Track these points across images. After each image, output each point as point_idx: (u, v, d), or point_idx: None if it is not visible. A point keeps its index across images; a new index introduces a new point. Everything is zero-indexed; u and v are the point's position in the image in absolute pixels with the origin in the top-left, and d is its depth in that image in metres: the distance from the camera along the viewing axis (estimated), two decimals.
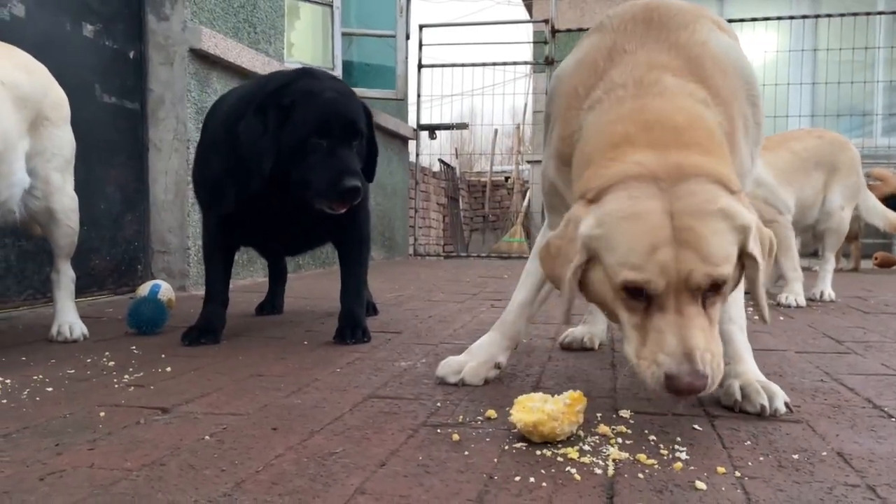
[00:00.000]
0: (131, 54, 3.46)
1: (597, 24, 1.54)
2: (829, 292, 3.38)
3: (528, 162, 9.33)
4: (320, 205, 1.99)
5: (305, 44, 5.33)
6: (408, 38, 6.46)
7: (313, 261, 4.90)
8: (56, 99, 2.12)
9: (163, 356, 1.93)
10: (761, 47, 7.18)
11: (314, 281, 4.22)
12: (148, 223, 3.58)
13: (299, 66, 2.62)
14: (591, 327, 2.12)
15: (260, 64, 4.02)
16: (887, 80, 7.88)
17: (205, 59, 3.61)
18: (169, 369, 1.75)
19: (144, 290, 2.61)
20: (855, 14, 6.79)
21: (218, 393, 1.53)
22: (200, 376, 1.69)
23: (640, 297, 1.15)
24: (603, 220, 1.17)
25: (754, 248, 1.17)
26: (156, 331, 2.28)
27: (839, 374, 1.75)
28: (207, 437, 1.21)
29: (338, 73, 5.40)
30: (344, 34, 5.50)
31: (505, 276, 4.56)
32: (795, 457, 1.12)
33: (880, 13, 7.40)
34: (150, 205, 3.56)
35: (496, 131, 10.71)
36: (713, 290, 1.15)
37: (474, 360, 1.64)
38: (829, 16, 6.83)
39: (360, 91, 5.52)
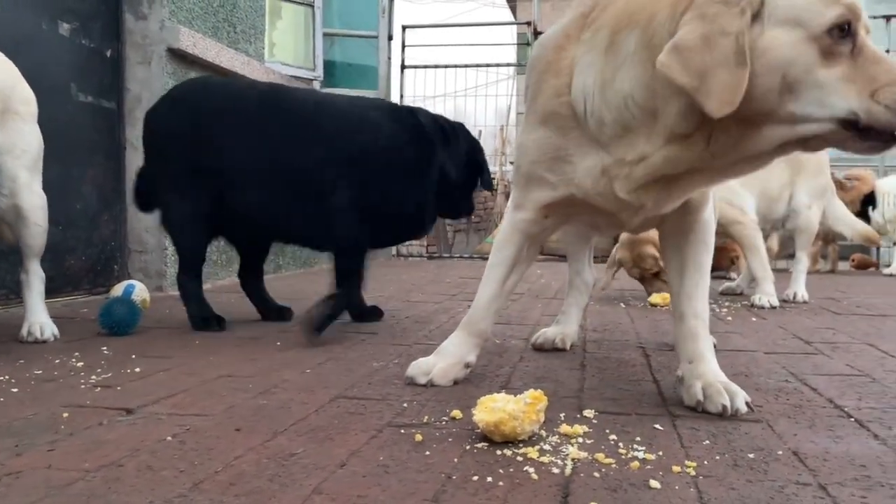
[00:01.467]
0: (108, 53, 3.44)
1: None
2: (803, 293, 3.42)
3: (512, 163, 9.35)
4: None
5: (287, 44, 5.32)
6: (390, 38, 6.47)
7: (294, 261, 4.89)
8: (24, 94, 2.11)
9: (133, 357, 1.92)
10: None
11: (295, 281, 4.21)
12: (125, 223, 3.56)
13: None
14: (564, 328, 2.13)
15: (240, 64, 4.01)
16: None
17: (183, 58, 3.59)
18: (138, 370, 1.75)
19: (118, 290, 2.60)
20: None
21: (184, 394, 1.52)
22: (169, 377, 1.69)
23: (847, 38, 1.11)
24: None
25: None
26: (128, 331, 2.27)
27: (804, 375, 1.77)
28: (169, 438, 1.21)
29: (318, 73, 5.40)
30: (326, 34, 5.50)
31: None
32: (751, 456, 1.14)
33: None
34: (126, 204, 3.54)
35: (479, 132, 10.71)
36: None
37: (443, 361, 1.64)
38: None
39: (341, 91, 5.53)
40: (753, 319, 2.79)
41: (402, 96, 7.00)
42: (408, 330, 2.43)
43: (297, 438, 1.21)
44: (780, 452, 1.16)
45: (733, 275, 4.56)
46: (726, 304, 3.29)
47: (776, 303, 3.16)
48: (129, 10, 3.50)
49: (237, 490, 0.98)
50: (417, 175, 2.42)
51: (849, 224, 3.82)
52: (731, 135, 1.20)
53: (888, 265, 5.79)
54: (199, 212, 2.38)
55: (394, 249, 7.12)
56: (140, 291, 2.64)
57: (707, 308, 1.55)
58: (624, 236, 3.30)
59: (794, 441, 1.22)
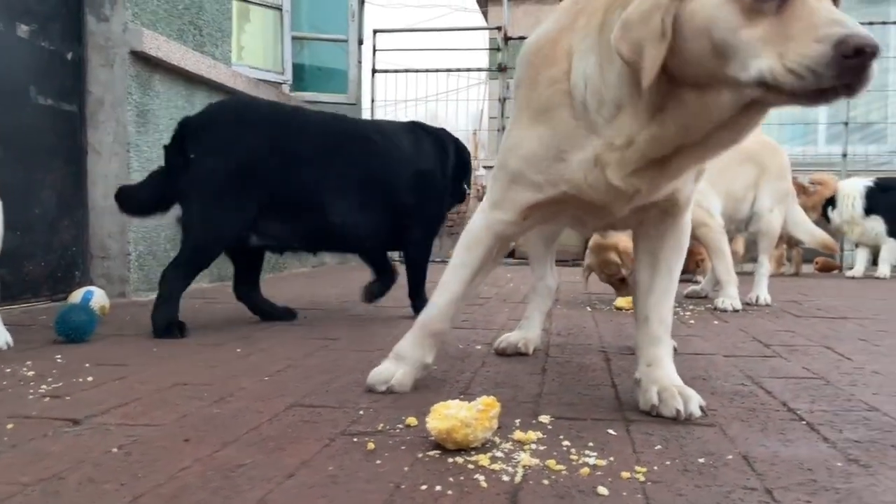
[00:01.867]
0: (69, 56, 3.38)
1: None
2: (765, 296, 3.47)
3: (485, 167, 9.36)
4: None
5: (255, 47, 5.28)
6: (361, 42, 6.44)
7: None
8: None
9: (87, 365, 1.88)
10: None
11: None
12: (87, 228, 3.49)
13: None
14: (526, 332, 2.13)
15: (206, 67, 3.97)
16: None
17: (147, 61, 3.54)
18: (90, 379, 1.71)
19: (76, 296, 2.55)
20: None
21: (136, 403, 1.49)
22: (122, 386, 1.65)
23: None
24: None
25: None
26: (85, 339, 2.23)
27: (760, 378, 1.79)
28: (115, 450, 1.18)
29: (287, 77, 5.36)
30: (295, 38, 5.46)
31: None
32: (701, 460, 1.14)
33: None
34: (88, 209, 3.48)
35: None
36: None
37: (401, 367, 1.63)
38: None
39: (311, 95, 5.51)
40: (715, 323, 2.82)
41: (372, 101, 6.99)
42: (371, 336, 2.41)
43: (246, 449, 1.19)
44: (730, 457, 1.17)
45: (699, 277, 4.61)
46: (690, 307, 3.33)
47: (739, 306, 3.20)
48: (91, 12, 3.44)
49: (178, 503, 0.96)
50: (442, 180, 2.96)
51: (807, 230, 3.87)
52: (693, 104, 1.19)
53: (851, 268, 5.90)
54: (242, 217, 2.51)
55: None
56: (99, 298, 2.59)
57: (671, 313, 1.55)
58: (592, 242, 3.32)
59: (745, 445, 1.23)
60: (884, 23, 7.82)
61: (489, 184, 1.63)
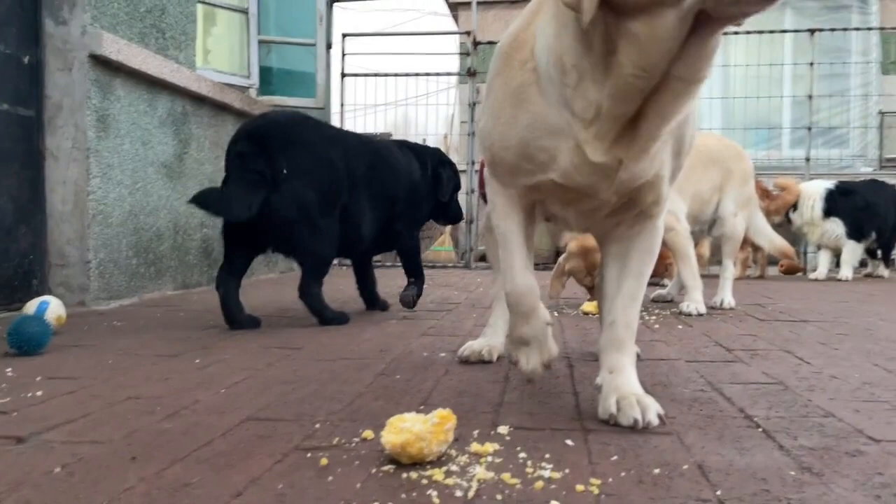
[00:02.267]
0: (26, 59, 3.30)
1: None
2: (729, 300, 3.50)
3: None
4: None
5: (221, 51, 5.21)
6: (329, 46, 6.40)
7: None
8: None
9: (38, 379, 1.83)
10: None
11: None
12: (45, 236, 3.41)
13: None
14: (490, 339, 2.12)
15: (168, 71, 3.90)
16: (794, 95, 8.25)
17: (107, 65, 3.47)
18: (40, 393, 1.66)
19: (31, 307, 2.48)
20: (760, 31, 7.09)
21: (85, 419, 1.45)
22: (73, 400, 1.61)
23: None
24: None
25: None
26: (38, 351, 2.17)
27: (720, 384, 1.80)
28: (58, 470, 1.14)
29: (254, 81, 5.30)
30: (262, 42, 5.40)
31: (427, 285, 4.52)
32: (657, 471, 1.14)
33: (786, 31, 7.77)
34: (46, 216, 3.39)
35: (423, 140, 10.71)
36: None
37: (531, 353, 1.58)
38: (735, 33, 7.09)
39: (279, 100, 5.46)
40: (680, 327, 2.84)
41: (342, 105, 6.95)
42: (334, 344, 2.38)
43: (195, 466, 1.16)
44: (686, 467, 1.16)
45: (666, 281, 4.64)
46: (656, 311, 3.34)
47: (703, 310, 3.22)
48: (49, 15, 3.36)
49: None
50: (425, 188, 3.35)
51: (767, 237, 3.92)
52: (642, 34, 1.18)
53: (815, 269, 5.99)
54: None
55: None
56: (55, 308, 2.52)
57: (637, 318, 1.55)
58: (574, 246, 3.33)
59: (701, 454, 1.23)
60: (845, 29, 7.98)
61: (491, 173, 1.61)
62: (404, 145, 3.47)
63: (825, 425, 1.42)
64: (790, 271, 6.26)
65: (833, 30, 7.65)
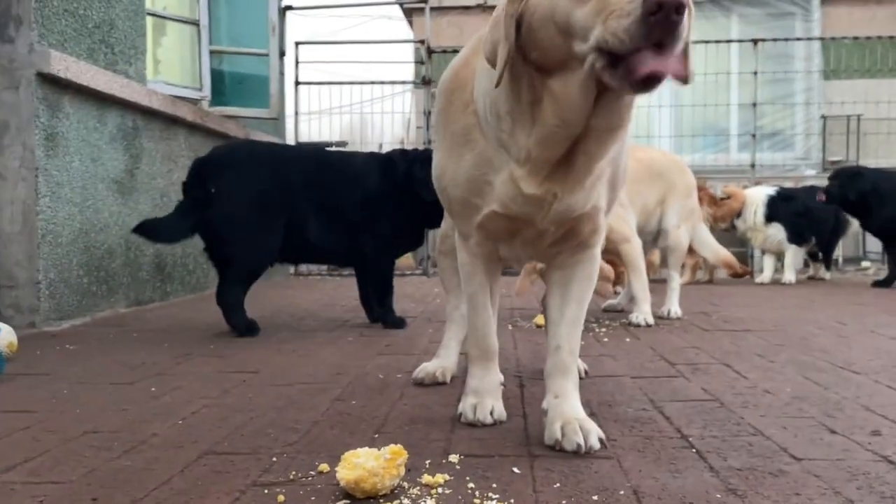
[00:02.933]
0: None
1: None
2: (676, 310, 3.63)
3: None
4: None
5: (172, 63, 5.17)
6: (282, 55, 6.41)
7: (182, 286, 4.75)
8: None
9: None
10: None
11: (182, 309, 4.09)
12: None
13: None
14: (443, 361, 2.18)
15: (118, 87, 3.87)
16: (740, 104, 8.54)
17: (55, 82, 3.44)
18: None
19: None
20: (707, 41, 7.31)
21: (43, 457, 1.47)
22: (28, 436, 1.62)
23: None
24: None
25: None
26: None
27: (662, 402, 1.89)
28: None
29: (205, 92, 5.27)
30: (213, 52, 5.37)
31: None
32: (595, 498, 1.22)
33: (731, 41, 8.03)
34: None
35: (381, 146, 10.73)
36: None
37: (488, 399, 1.72)
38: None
39: (232, 110, 5.44)
40: (628, 340, 2.95)
41: (296, 113, 6.94)
42: (291, 368, 2.41)
43: None
44: (622, 492, 1.24)
45: (618, 288, 4.78)
46: (606, 321, 3.45)
47: (651, 321, 3.34)
48: None
49: None
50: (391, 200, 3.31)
51: (711, 248, 4.05)
52: (559, 90, 1.32)
53: (762, 271, 6.21)
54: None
55: (292, 267, 7.01)
56: (5, 336, 2.49)
57: (579, 343, 1.64)
58: None
59: (637, 478, 1.32)
60: (786, 39, 8.28)
61: (449, 216, 1.78)
62: (371, 155, 3.59)
63: (753, 444, 1.52)
64: (737, 276, 6.45)
65: (775, 39, 7.94)
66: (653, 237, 3.77)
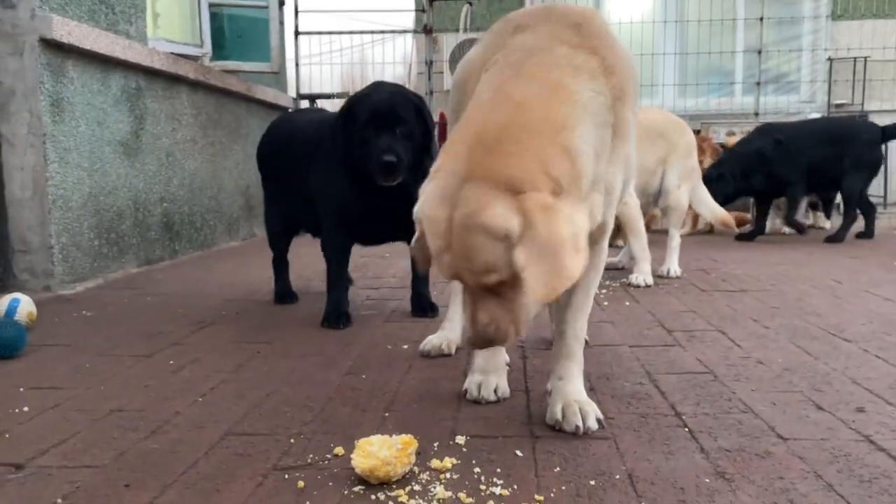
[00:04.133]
0: None
1: (503, 22, 1.64)
2: (675, 269, 3.70)
3: None
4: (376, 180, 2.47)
5: (171, 20, 5.11)
6: (282, 4, 6.31)
7: (191, 244, 4.82)
8: None
9: (21, 389, 1.92)
10: (630, 17, 7.51)
11: (192, 269, 4.18)
12: (6, 222, 3.42)
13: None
14: (448, 333, 2.27)
15: (120, 48, 3.86)
16: (745, 49, 8.42)
17: (58, 48, 3.43)
18: (27, 409, 1.76)
19: (1, 307, 2.54)
20: None
21: (75, 438, 1.57)
22: (59, 416, 1.72)
23: None
24: (420, 207, 1.34)
25: (519, 256, 1.21)
26: (15, 355, 2.25)
27: (658, 374, 1.98)
28: (60, 501, 1.27)
29: (206, 49, 5.24)
30: (212, 5, 5.31)
31: (386, 255, 4.62)
32: (592, 482, 1.31)
33: None
34: (6, 203, 3.40)
35: None
36: (499, 284, 1.27)
37: (492, 377, 1.81)
38: None
39: (233, 65, 5.41)
40: (627, 303, 3.03)
41: (297, 65, 6.88)
42: (302, 338, 2.50)
43: (185, 492, 1.30)
44: (618, 476, 1.34)
45: (619, 242, 4.84)
46: (606, 282, 3.53)
47: (651, 281, 3.42)
48: None
49: None
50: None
51: (709, 208, 4.05)
52: None
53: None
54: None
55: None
56: (25, 305, 2.58)
57: (585, 327, 1.71)
58: None
59: (632, 460, 1.41)
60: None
61: None
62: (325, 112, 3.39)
63: (743, 423, 1.61)
64: (739, 223, 6.50)
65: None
66: (654, 198, 3.82)
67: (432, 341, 2.24)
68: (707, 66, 8.44)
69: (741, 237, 5.61)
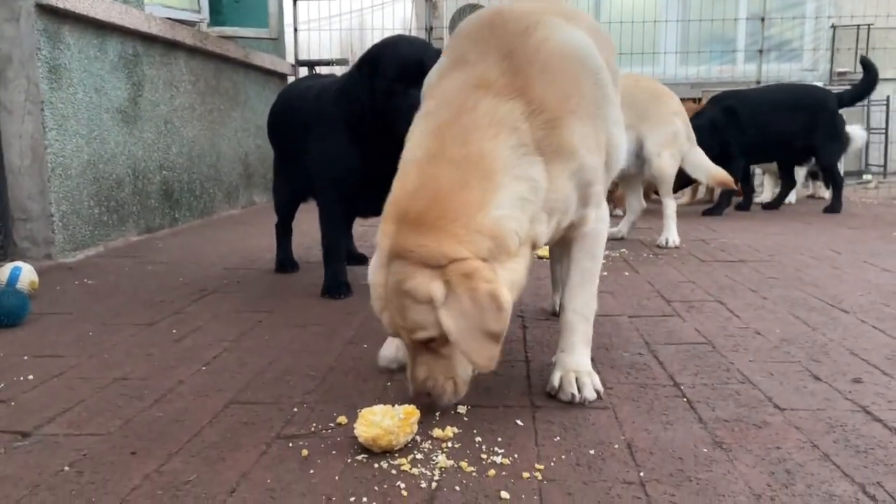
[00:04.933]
0: None
1: (457, 28, 1.67)
2: (674, 238, 3.70)
3: None
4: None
5: None
6: None
7: (190, 212, 4.82)
8: None
9: (25, 358, 1.94)
10: None
11: (192, 237, 4.18)
12: (6, 190, 3.41)
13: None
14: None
15: (117, 14, 3.81)
16: (749, 17, 8.34)
17: (54, 13, 3.39)
18: (31, 377, 1.78)
19: (3, 275, 2.55)
20: None
21: (79, 407, 1.58)
22: (63, 384, 1.73)
23: None
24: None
25: (444, 318, 1.34)
26: (17, 323, 2.26)
27: (657, 345, 2.00)
28: (67, 468, 1.29)
29: (204, 14, 5.17)
30: None
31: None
32: (592, 452, 1.33)
33: None
34: (5, 171, 3.39)
35: None
36: (431, 341, 1.40)
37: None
38: None
39: (231, 30, 5.34)
40: (626, 274, 3.04)
41: (295, 30, 6.79)
42: (303, 306, 2.52)
43: (190, 460, 1.32)
44: (617, 446, 1.36)
45: (618, 211, 4.84)
46: (605, 252, 3.53)
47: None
48: None
49: None
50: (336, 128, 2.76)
51: (704, 170, 3.90)
52: None
53: (761, 186, 6.25)
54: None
55: None
56: (27, 274, 2.59)
57: (589, 303, 1.69)
58: None
59: (631, 430, 1.43)
60: None
61: None
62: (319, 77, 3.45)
63: (741, 393, 1.63)
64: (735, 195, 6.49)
65: None
66: (637, 168, 3.75)
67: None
68: (709, 33, 8.36)
69: (740, 207, 5.59)
